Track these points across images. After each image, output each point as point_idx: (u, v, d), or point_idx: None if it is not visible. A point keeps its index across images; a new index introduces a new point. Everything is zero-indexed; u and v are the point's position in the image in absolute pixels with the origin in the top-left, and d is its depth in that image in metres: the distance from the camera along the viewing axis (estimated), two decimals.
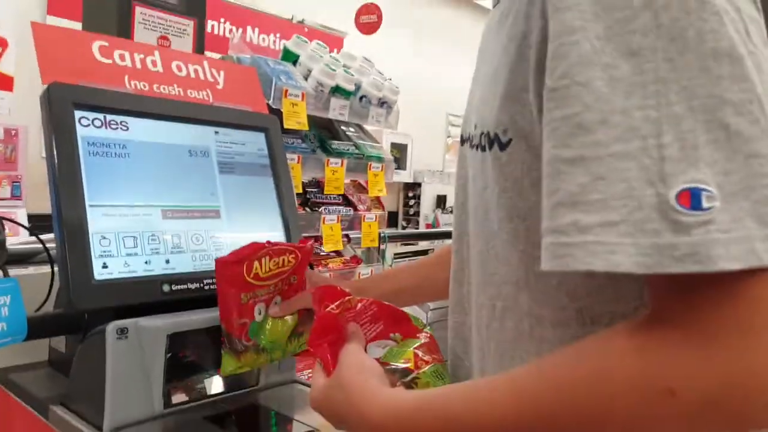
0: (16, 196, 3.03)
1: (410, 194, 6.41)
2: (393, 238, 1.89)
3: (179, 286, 0.96)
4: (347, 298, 0.64)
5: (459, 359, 0.66)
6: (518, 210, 0.52)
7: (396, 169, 6.15)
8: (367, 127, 1.73)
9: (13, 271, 0.95)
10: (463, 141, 0.65)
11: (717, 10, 0.38)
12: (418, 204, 6.36)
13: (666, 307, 0.40)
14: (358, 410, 0.52)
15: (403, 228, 6.38)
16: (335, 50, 5.39)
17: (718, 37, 0.38)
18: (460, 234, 0.65)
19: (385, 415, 0.51)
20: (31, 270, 1.16)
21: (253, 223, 1.12)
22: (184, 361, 0.96)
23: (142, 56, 1.06)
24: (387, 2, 4.60)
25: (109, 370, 0.84)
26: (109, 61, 1.02)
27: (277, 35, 4.76)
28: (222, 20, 4.34)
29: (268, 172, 1.16)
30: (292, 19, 4.88)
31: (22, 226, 0.93)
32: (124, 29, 1.10)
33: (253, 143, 1.16)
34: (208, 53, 4.18)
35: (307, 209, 1.45)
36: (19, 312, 0.82)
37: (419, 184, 6.35)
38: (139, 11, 1.10)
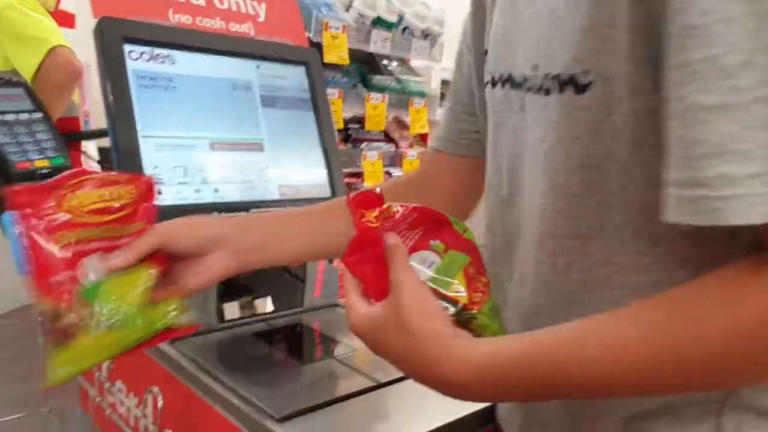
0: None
1: None
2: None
3: (229, 214, 1.02)
4: (386, 205, 0.54)
5: None
6: (593, 158, 0.48)
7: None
8: (414, 63, 1.71)
9: None
10: (498, 82, 0.59)
11: None
12: None
13: None
14: (437, 366, 0.47)
15: None
16: None
17: None
18: (510, 195, 0.59)
19: (473, 375, 0.46)
20: None
21: (296, 156, 1.16)
22: (237, 282, 1.04)
23: None
24: None
25: None
26: None
27: None
28: None
29: (309, 106, 1.19)
30: None
31: (89, 156, 1.01)
32: None
33: (294, 77, 1.19)
34: None
35: (349, 145, 1.47)
36: None
37: None
38: None
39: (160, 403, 0.77)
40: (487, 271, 0.55)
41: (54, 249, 0.58)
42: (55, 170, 0.87)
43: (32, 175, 0.84)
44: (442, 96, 5.39)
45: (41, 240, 0.58)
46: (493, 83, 0.60)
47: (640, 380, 0.42)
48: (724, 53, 0.37)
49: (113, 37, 0.95)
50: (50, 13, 3.17)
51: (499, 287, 0.60)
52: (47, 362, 0.55)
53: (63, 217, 0.59)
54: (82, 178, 0.61)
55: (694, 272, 0.43)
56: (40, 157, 0.86)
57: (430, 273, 0.53)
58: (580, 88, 0.47)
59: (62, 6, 3.19)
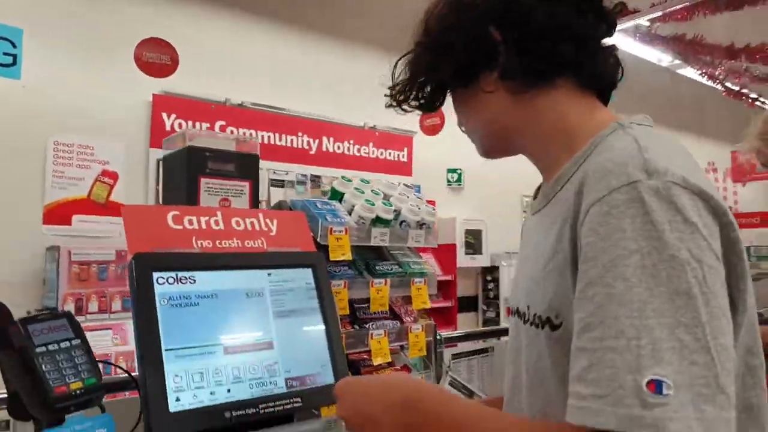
0: (126, 308, 3.41)
1: (488, 278, 6.39)
2: (448, 340, 1.98)
3: (239, 412, 1.13)
4: None
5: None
6: (567, 374, 0.63)
7: (472, 254, 6.24)
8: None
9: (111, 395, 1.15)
10: (513, 313, 0.80)
11: (682, 263, 0.56)
12: (497, 287, 6.31)
13: None
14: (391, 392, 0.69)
15: (484, 312, 6.34)
16: (398, 156, 5.59)
17: (680, 281, 0.55)
18: (512, 395, 0.79)
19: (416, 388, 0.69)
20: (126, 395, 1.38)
21: (303, 350, 1.28)
22: None
23: (206, 218, 1.30)
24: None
25: None
26: (180, 227, 1.26)
27: (351, 141, 5.15)
28: (299, 134, 4.79)
29: (315, 303, 1.33)
30: (363, 125, 5.27)
31: (121, 369, 1.14)
32: (192, 197, 1.35)
33: (301, 278, 1.35)
34: (290, 165, 4.62)
35: (356, 326, 1.59)
36: None
37: (497, 267, 6.33)
38: (204, 181, 1.35)
39: None
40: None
41: None
42: (88, 390, 1.00)
43: (66, 398, 0.97)
44: (467, 244, 5.50)
45: None
46: (511, 313, 0.82)
47: None
48: (586, 316, 0.58)
49: (144, 268, 1.14)
50: (101, 204, 3.60)
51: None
52: None
53: None
54: None
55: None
56: (75, 380, 1.00)
57: None
58: (554, 327, 0.67)
59: (113, 198, 3.62)
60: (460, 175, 6.00)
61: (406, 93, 0.82)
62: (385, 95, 0.85)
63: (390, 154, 5.44)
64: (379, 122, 5.29)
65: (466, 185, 6.11)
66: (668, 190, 0.58)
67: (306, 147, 4.85)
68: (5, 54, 2.95)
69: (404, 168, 5.46)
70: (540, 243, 0.72)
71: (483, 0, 0.74)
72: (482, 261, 6.25)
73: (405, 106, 0.84)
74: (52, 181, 3.39)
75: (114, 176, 3.61)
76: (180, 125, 3.98)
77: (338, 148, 5.08)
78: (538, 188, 0.83)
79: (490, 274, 6.37)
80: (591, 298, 0.58)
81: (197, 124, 4.07)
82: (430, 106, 0.83)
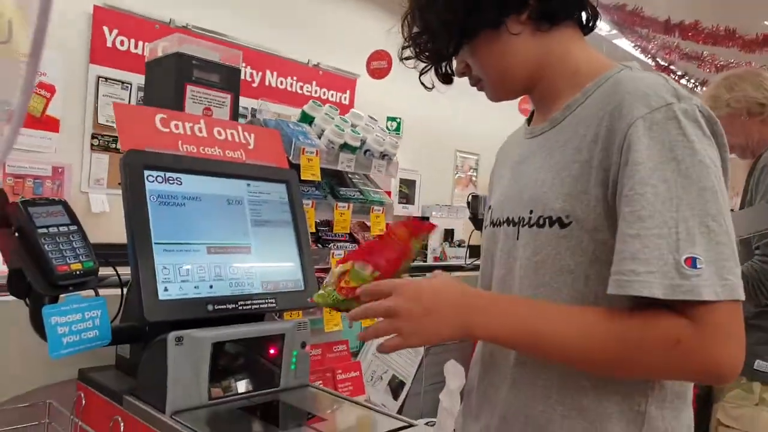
0: None
1: None
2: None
3: (220, 306, 1.23)
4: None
5: (479, 379, 0.94)
6: (568, 267, 0.80)
7: (405, 203, 6.45)
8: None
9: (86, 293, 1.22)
10: (498, 224, 0.93)
11: (707, 166, 0.73)
12: (425, 238, 6.55)
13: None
14: (465, 297, 0.81)
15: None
16: (341, 99, 5.59)
17: (707, 180, 0.72)
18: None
19: (489, 300, 0.84)
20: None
21: (277, 257, 1.39)
22: (224, 365, 1.23)
23: (191, 125, 1.36)
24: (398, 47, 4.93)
25: (170, 369, 1.11)
26: (167, 130, 1.32)
27: (295, 78, 5.12)
28: (244, 65, 4.70)
29: (288, 216, 1.44)
30: (308, 62, 5.23)
31: (109, 263, 1.20)
32: (178, 103, 1.40)
33: (277, 192, 1.45)
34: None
35: (319, 245, 1.71)
36: (105, 323, 1.10)
37: (427, 218, 6.57)
38: (189, 88, 1.40)
39: None
40: None
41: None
42: (86, 272, 1.07)
43: (68, 276, 1.04)
44: (401, 193, 5.67)
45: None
46: (494, 224, 0.95)
47: (583, 349, 0.76)
48: (639, 209, 0.73)
49: (135, 164, 1.20)
50: (36, 117, 3.43)
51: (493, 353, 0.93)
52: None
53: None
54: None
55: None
56: (75, 261, 1.06)
57: None
58: (563, 225, 0.80)
59: (48, 112, 3.46)
60: (399, 123, 6.11)
61: (435, 41, 0.89)
62: (404, 46, 0.92)
63: (332, 95, 5.45)
64: (323, 61, 5.27)
65: (404, 135, 6.24)
66: (693, 111, 0.75)
67: (249, 79, 4.78)
68: None
69: (345, 110, 5.40)
70: (548, 158, 0.86)
71: None
72: (414, 211, 6.47)
73: (422, 57, 0.92)
74: None
75: (51, 89, 3.43)
76: (122, 42, 3.81)
77: (281, 83, 5.03)
78: (530, 119, 0.97)
79: None
80: (642, 195, 0.73)
81: (139, 43, 3.91)
82: (449, 56, 0.92)
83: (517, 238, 0.88)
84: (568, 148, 0.83)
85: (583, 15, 0.90)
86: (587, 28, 0.92)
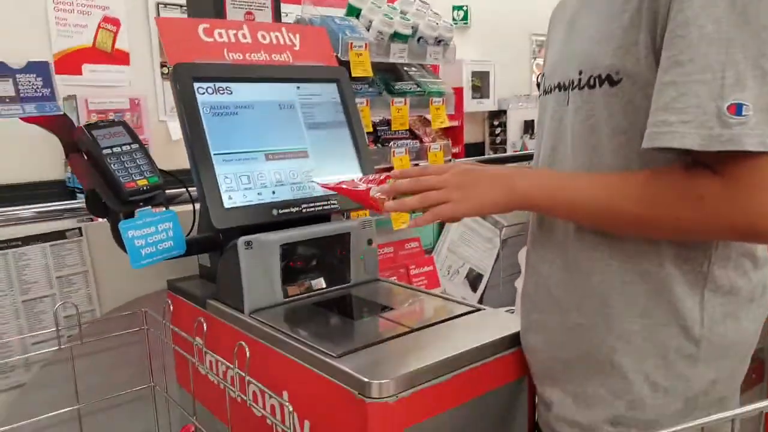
0: None
1: (496, 122, 6.37)
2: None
3: (284, 210, 1.26)
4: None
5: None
6: (621, 127, 0.76)
7: (479, 98, 6.20)
8: (438, 61, 1.90)
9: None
10: (549, 91, 0.89)
11: (765, 1, 0.64)
12: (504, 132, 6.31)
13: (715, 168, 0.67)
14: (505, 170, 0.84)
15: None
16: None
17: (765, 17, 0.64)
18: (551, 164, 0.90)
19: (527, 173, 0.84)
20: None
21: (334, 159, 1.39)
22: (295, 266, 1.27)
23: (234, 31, 1.33)
24: None
25: (243, 272, 1.17)
26: (211, 39, 1.31)
27: None
28: None
29: (342, 117, 1.42)
30: None
31: (176, 178, 1.26)
32: (218, 10, 1.37)
33: (328, 93, 1.42)
34: (289, 5, 4.44)
35: (379, 145, 1.69)
36: (178, 234, 1.17)
37: (504, 112, 6.30)
38: None
39: (248, 354, 1.01)
40: None
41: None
42: (152, 187, 1.13)
43: (137, 192, 1.10)
44: (474, 87, 5.46)
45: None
46: (546, 92, 0.92)
47: (610, 210, 0.75)
48: (677, 54, 0.66)
49: (185, 77, 1.21)
50: (107, 53, 3.56)
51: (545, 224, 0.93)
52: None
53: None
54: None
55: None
56: (141, 177, 1.11)
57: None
58: (614, 83, 0.76)
59: (117, 46, 3.57)
60: (466, 12, 5.76)
61: None
62: None
63: None
64: None
65: (472, 24, 5.88)
66: None
67: None
68: None
69: None
70: (599, 14, 0.79)
71: None
72: (489, 105, 6.21)
73: None
74: (57, 30, 3.33)
75: (116, 22, 3.52)
76: None
77: None
78: None
79: (497, 118, 6.35)
80: (683, 37, 0.66)
81: None
82: None
83: (567, 104, 0.83)
84: None
85: None
86: None
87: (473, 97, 6.00)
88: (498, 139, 6.36)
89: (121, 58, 3.59)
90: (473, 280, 2.07)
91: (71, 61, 3.40)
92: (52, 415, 1.27)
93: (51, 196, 3.23)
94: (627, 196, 0.73)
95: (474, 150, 6.24)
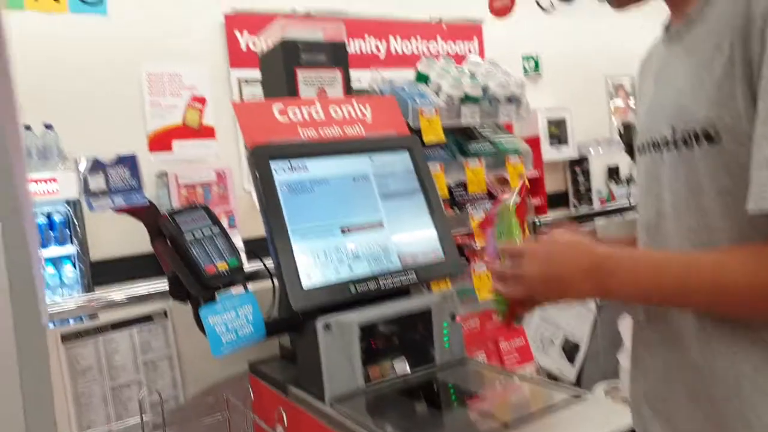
0: (231, 226, 3.65)
1: (578, 170, 6.13)
2: (547, 225, 1.99)
3: (362, 286, 1.22)
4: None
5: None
6: (727, 187, 0.69)
7: (557, 144, 6.04)
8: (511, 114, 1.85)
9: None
10: (645, 150, 0.82)
11: None
12: (588, 180, 6.06)
13: None
14: (592, 255, 0.74)
15: (575, 207, 6.19)
16: (469, 49, 5.35)
17: None
18: (657, 225, 0.81)
19: (618, 259, 0.73)
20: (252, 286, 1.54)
21: (411, 229, 1.34)
22: (376, 346, 1.22)
23: (307, 109, 1.35)
24: None
25: (323, 356, 1.12)
26: (286, 118, 1.33)
27: (418, 37, 5.01)
28: (367, 36, 4.72)
29: (416, 184, 1.38)
30: (429, 19, 5.08)
31: (258, 258, 1.26)
32: (291, 89, 1.41)
33: (401, 162, 1.40)
34: (359, 71, 4.61)
35: (456, 209, 1.64)
36: (258, 318, 1.15)
37: (586, 159, 6.07)
38: (300, 72, 1.40)
39: None
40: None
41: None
42: (232, 270, 1.13)
43: (217, 277, 1.10)
44: (551, 135, 5.32)
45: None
46: (639, 151, 0.85)
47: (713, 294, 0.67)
48: None
49: (263, 159, 1.22)
50: (195, 129, 3.79)
51: None
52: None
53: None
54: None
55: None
56: (221, 260, 1.12)
57: None
58: (712, 141, 0.69)
59: (204, 122, 3.80)
60: (537, 61, 5.70)
61: None
62: None
63: (460, 46, 5.25)
64: (444, 13, 5.08)
65: (544, 72, 5.81)
66: None
67: (375, 51, 4.78)
68: None
69: None
70: (688, 65, 0.73)
71: None
72: (569, 152, 6.02)
73: None
74: (151, 111, 3.60)
75: (202, 101, 3.76)
76: (254, 43, 4.02)
77: (406, 47, 4.96)
78: (668, 25, 0.83)
79: (579, 165, 6.14)
80: None
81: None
82: None
83: (663, 163, 0.76)
84: (707, 46, 0.69)
85: None
86: None
87: (551, 145, 5.86)
88: (582, 188, 6.12)
89: (207, 132, 3.81)
90: (569, 350, 1.92)
91: (163, 139, 3.65)
92: None
93: (145, 268, 3.41)
94: (736, 270, 0.66)
95: (557, 200, 6.02)
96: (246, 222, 3.65)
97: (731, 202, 0.69)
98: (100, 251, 3.29)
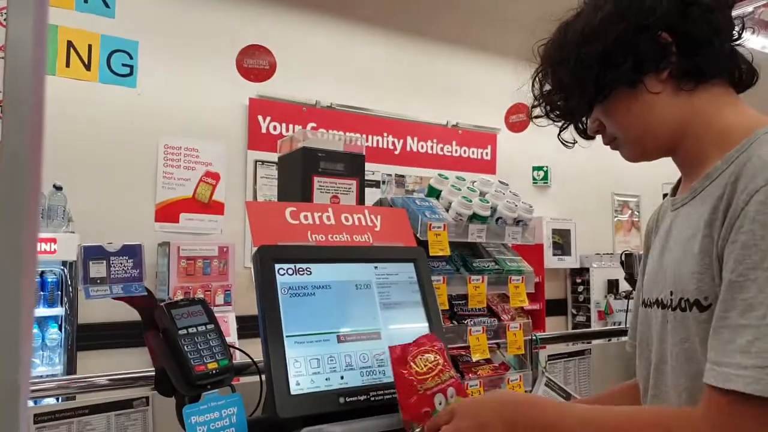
0: (227, 302, 3.63)
1: (578, 280, 6.18)
2: (544, 341, 1.97)
3: (352, 398, 1.20)
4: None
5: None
6: None
7: (560, 255, 6.08)
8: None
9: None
10: (649, 305, 0.87)
11: None
12: (587, 290, 6.09)
13: None
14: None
15: (573, 316, 6.15)
16: (482, 155, 5.53)
17: None
18: (656, 386, 0.85)
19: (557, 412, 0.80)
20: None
21: (407, 340, 1.33)
22: None
23: (319, 214, 1.38)
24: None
25: None
26: (297, 222, 1.36)
27: (435, 140, 5.20)
28: (385, 134, 4.90)
29: (418, 296, 1.39)
30: (446, 124, 5.30)
31: (246, 354, 1.25)
32: (306, 194, 1.45)
33: (405, 272, 1.41)
34: (375, 165, 4.75)
35: (454, 322, 1.63)
36: (242, 421, 1.12)
37: (587, 269, 6.12)
38: (317, 180, 1.45)
39: None
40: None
41: (420, 392, 1.07)
42: (222, 370, 1.11)
43: (205, 376, 1.09)
44: (555, 244, 5.36)
45: (404, 389, 1.08)
46: (646, 304, 0.89)
47: None
48: (752, 297, 0.65)
49: (266, 259, 1.24)
50: (205, 203, 3.86)
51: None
52: None
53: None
54: (420, 348, 1.13)
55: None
56: (211, 360, 1.11)
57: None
58: (703, 309, 0.73)
59: (215, 197, 3.87)
60: (546, 172, 5.88)
61: (567, 99, 0.85)
62: (533, 106, 0.90)
63: (473, 152, 5.43)
64: (462, 120, 5.30)
65: (552, 183, 5.97)
66: None
67: (391, 147, 4.95)
68: (124, 65, 3.23)
69: (488, 166, 5.42)
70: (687, 233, 0.78)
71: (658, 3, 0.77)
72: (571, 262, 6.07)
73: (553, 116, 0.89)
74: (162, 182, 3.68)
75: (216, 177, 3.85)
76: (274, 127, 4.18)
77: (422, 147, 5.14)
78: (677, 186, 0.88)
79: (580, 276, 6.17)
80: (754, 281, 0.64)
81: (289, 126, 4.26)
82: (582, 114, 0.88)
83: (667, 322, 0.81)
84: (702, 222, 0.74)
85: (736, 71, 0.79)
86: (742, 85, 0.80)
87: (554, 254, 5.91)
88: (581, 297, 6.13)
89: (216, 208, 3.88)
90: None
91: (170, 211, 3.70)
92: None
93: (132, 336, 3.35)
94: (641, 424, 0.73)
95: (555, 307, 6.01)
96: (242, 299, 3.63)
97: None
98: (88, 315, 3.25)
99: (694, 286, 0.74)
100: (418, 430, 1.04)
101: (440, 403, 1.07)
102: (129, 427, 1.34)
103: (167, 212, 3.68)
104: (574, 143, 0.95)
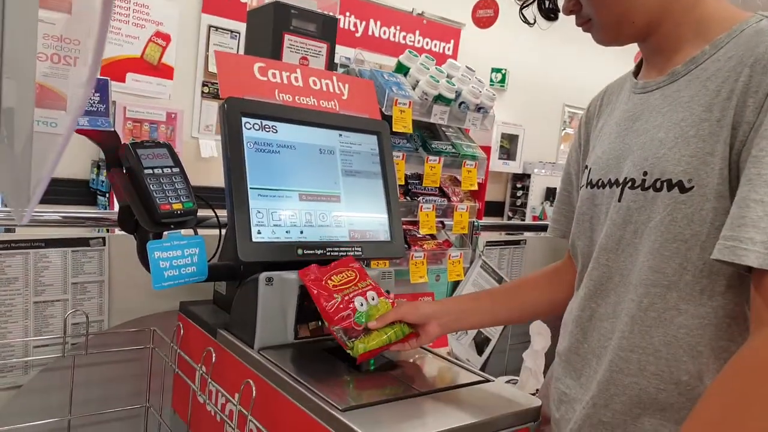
0: None
1: (519, 185, 6.41)
2: (485, 228, 2.10)
3: (309, 251, 1.27)
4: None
5: (579, 342, 0.91)
6: (683, 235, 0.75)
7: (506, 159, 6.26)
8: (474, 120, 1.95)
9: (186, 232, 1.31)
10: (601, 185, 0.88)
11: None
12: (526, 195, 6.35)
13: None
14: None
15: (509, 218, 6.44)
16: (445, 49, 5.43)
17: None
18: (608, 265, 0.87)
19: None
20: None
21: (365, 207, 1.40)
22: (310, 308, 1.27)
23: (288, 74, 1.37)
24: None
25: (260, 307, 1.17)
26: (265, 78, 1.35)
27: (398, 27, 5.05)
28: (348, 14, 4.71)
29: (378, 168, 1.44)
30: (412, 11, 5.13)
31: (209, 205, 1.28)
32: (275, 52, 1.42)
33: (368, 143, 1.45)
34: (337, 46, 4.60)
35: (408, 198, 1.71)
36: (203, 260, 1.18)
37: (529, 176, 6.34)
38: (287, 37, 1.41)
39: (254, 393, 1.00)
40: (579, 315, 0.92)
41: (336, 301, 1.11)
42: (186, 212, 1.15)
43: (170, 215, 1.12)
44: (501, 148, 5.52)
45: (324, 298, 1.12)
46: (593, 185, 0.90)
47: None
48: None
49: (234, 111, 1.24)
50: (153, 65, 3.67)
51: (593, 317, 0.90)
52: (351, 346, 1.07)
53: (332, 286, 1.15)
54: (339, 269, 1.21)
55: (732, 321, 0.74)
56: (176, 201, 1.13)
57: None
58: (684, 190, 0.75)
59: (164, 60, 3.68)
60: (504, 75, 5.87)
61: None
62: None
63: (436, 44, 5.33)
64: (428, 9, 5.14)
65: (509, 87, 6.00)
66: None
67: (353, 29, 4.78)
68: None
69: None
70: (675, 116, 0.79)
71: None
72: (514, 167, 6.26)
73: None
74: (109, 37, 3.44)
75: (167, 38, 3.64)
76: None
77: (384, 33, 5.00)
78: (637, 71, 0.89)
79: (521, 181, 6.40)
80: None
81: None
82: None
83: (619, 201, 0.83)
84: (696, 105, 0.76)
85: None
86: None
87: (500, 158, 6.07)
88: (519, 202, 6.40)
89: (165, 72, 3.70)
90: (480, 343, 2.05)
91: (117, 69, 3.51)
92: (40, 423, 1.25)
93: (73, 194, 3.28)
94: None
95: (494, 208, 6.27)
96: (188, 169, 3.58)
97: (683, 250, 0.76)
98: None
99: (681, 168, 0.74)
100: (341, 333, 1.07)
101: (362, 305, 1.11)
102: (85, 264, 1.38)
103: (113, 70, 3.48)
104: (533, 23, 0.93)
